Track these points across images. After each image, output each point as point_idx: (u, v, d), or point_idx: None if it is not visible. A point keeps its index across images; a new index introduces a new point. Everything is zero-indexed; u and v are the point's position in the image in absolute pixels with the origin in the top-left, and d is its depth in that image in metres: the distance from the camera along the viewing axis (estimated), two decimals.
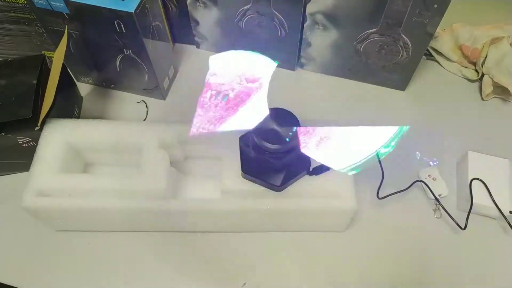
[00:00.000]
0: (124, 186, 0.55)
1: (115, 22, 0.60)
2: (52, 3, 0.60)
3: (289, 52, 0.77)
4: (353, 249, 0.61)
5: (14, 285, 0.58)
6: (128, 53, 0.66)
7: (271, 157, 0.51)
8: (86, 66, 0.73)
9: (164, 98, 0.75)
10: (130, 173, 0.56)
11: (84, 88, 0.76)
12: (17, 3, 0.66)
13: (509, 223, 0.61)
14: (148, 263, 0.59)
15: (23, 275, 0.58)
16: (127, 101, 0.75)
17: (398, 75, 0.75)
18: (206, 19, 0.75)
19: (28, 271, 0.59)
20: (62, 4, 0.59)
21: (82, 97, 0.74)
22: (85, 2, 0.58)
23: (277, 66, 0.81)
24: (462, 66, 0.80)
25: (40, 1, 0.60)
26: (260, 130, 0.50)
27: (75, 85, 0.72)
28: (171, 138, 0.59)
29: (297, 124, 0.51)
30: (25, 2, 0.65)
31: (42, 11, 0.62)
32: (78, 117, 0.71)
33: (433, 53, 0.81)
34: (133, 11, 0.58)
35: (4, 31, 0.71)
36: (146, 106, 0.74)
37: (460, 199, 0.64)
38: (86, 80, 0.76)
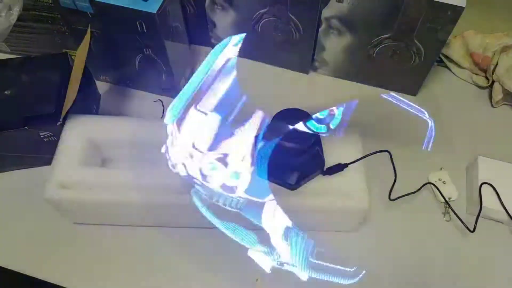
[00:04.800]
0: (143, 181, 0.56)
1: (137, 22, 0.62)
2: (77, 2, 0.62)
3: (303, 55, 0.78)
4: (363, 249, 0.63)
5: (31, 275, 0.59)
6: (147, 53, 0.67)
7: (287, 155, 0.53)
8: (105, 65, 0.75)
9: None
10: (148, 168, 0.58)
11: (102, 86, 0.78)
12: (42, 2, 0.68)
13: None
14: (164, 257, 0.61)
15: (39, 266, 0.60)
16: (143, 100, 0.77)
17: (410, 80, 0.77)
18: (223, 21, 0.77)
19: (45, 262, 0.60)
20: (87, 4, 0.61)
21: (100, 94, 0.76)
22: (109, 2, 0.60)
23: (291, 69, 0.83)
24: (473, 73, 0.81)
25: (65, 1, 0.62)
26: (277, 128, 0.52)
27: (94, 82, 0.74)
28: None
29: None
30: (50, 1, 0.67)
31: (67, 10, 0.64)
32: (97, 114, 0.73)
33: (444, 59, 0.83)
34: (155, 12, 0.59)
35: (28, 29, 0.73)
36: (163, 105, 0.75)
37: (470, 202, 0.66)
38: (104, 78, 0.78)
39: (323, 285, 0.56)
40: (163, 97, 0.77)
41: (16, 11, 0.65)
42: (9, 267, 0.59)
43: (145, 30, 0.63)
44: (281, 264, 0.46)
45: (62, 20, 0.69)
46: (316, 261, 0.44)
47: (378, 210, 0.64)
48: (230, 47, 0.49)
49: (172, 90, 0.75)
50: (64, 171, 0.56)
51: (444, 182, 0.67)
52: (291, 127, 0.51)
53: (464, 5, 0.61)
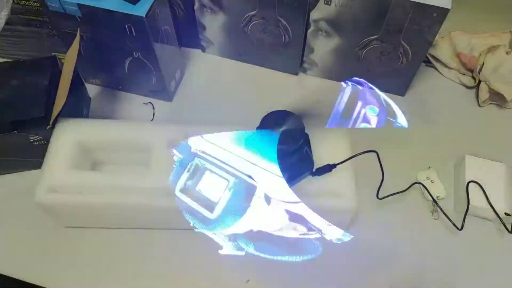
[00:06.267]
0: (133, 184, 0.56)
1: (126, 26, 0.62)
2: (65, 6, 0.62)
3: (292, 57, 0.79)
4: (353, 248, 0.63)
5: (22, 279, 0.59)
6: (137, 55, 0.68)
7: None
8: (95, 68, 0.75)
9: (170, 100, 0.77)
10: (138, 171, 0.58)
11: (92, 89, 0.78)
12: (30, 5, 0.68)
13: (504, 225, 0.63)
14: (155, 259, 0.61)
15: (31, 270, 0.60)
16: (134, 102, 0.77)
17: (398, 81, 0.78)
18: (213, 24, 0.77)
19: (36, 266, 0.60)
20: (75, 8, 0.61)
21: (90, 97, 0.76)
22: (98, 6, 0.60)
23: (280, 71, 0.84)
24: (460, 73, 0.82)
25: (53, 4, 0.62)
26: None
27: (84, 86, 0.74)
28: (179, 138, 0.60)
29: (302, 126, 0.53)
30: (38, 5, 0.67)
31: (55, 14, 0.64)
32: (87, 117, 0.73)
33: (431, 60, 0.84)
34: (144, 15, 0.60)
35: (16, 32, 0.73)
36: (153, 107, 0.76)
37: (457, 201, 0.67)
38: (94, 81, 0.78)
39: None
40: (153, 99, 0.77)
41: (4, 15, 0.65)
42: (0, 272, 0.59)
43: (134, 33, 0.63)
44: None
45: (51, 23, 0.69)
46: None
47: (367, 210, 0.65)
48: None
49: (162, 93, 0.75)
50: (54, 175, 0.56)
51: (432, 181, 0.68)
52: (279, 128, 0.52)
53: (449, 7, 0.62)
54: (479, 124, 0.77)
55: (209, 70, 0.83)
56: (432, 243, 0.64)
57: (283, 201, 0.44)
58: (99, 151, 0.63)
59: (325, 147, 0.60)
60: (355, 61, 0.75)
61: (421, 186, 0.67)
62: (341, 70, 0.79)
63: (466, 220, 0.63)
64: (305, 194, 0.57)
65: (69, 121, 0.61)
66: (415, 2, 0.62)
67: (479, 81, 0.79)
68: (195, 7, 0.75)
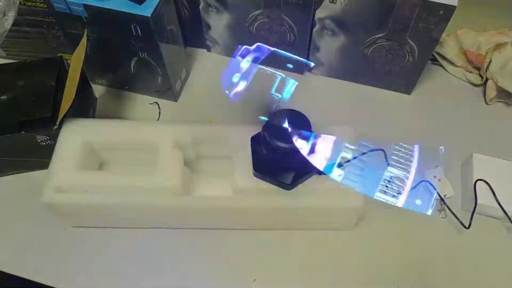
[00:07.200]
0: (140, 184, 0.56)
1: (132, 26, 0.62)
2: (71, 7, 0.62)
3: (297, 56, 0.79)
4: (360, 247, 0.63)
5: (30, 279, 0.59)
6: (143, 56, 0.68)
7: (282, 155, 0.53)
8: (101, 68, 0.75)
9: (176, 100, 0.77)
10: (145, 171, 0.58)
11: (98, 89, 0.78)
12: (37, 6, 0.68)
13: None
14: (162, 258, 0.61)
15: (39, 270, 0.60)
16: (140, 103, 0.77)
17: (404, 79, 0.77)
18: (218, 23, 0.77)
19: (44, 266, 0.60)
20: (81, 8, 0.62)
21: (96, 98, 0.76)
22: (103, 6, 0.60)
23: (287, 70, 0.83)
24: (467, 71, 0.82)
25: (59, 5, 0.63)
26: (272, 129, 0.52)
27: (90, 86, 0.74)
28: (184, 138, 0.60)
29: (308, 124, 0.53)
30: (44, 6, 0.68)
31: (61, 14, 0.64)
32: (93, 117, 0.73)
33: (438, 58, 0.83)
34: (149, 15, 0.60)
35: (23, 33, 0.74)
36: (159, 107, 0.76)
37: (465, 199, 0.66)
38: (100, 81, 0.78)
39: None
40: (159, 99, 0.77)
41: (11, 16, 0.65)
42: (8, 271, 0.60)
43: (139, 33, 0.63)
44: None
45: (57, 24, 0.70)
46: None
47: (374, 208, 0.65)
48: None
49: (168, 92, 0.75)
50: (61, 175, 0.57)
51: (439, 180, 0.67)
52: (286, 127, 0.52)
53: (456, 4, 0.62)
54: (486, 122, 0.76)
55: (215, 69, 0.83)
56: (440, 241, 0.63)
57: None
58: (106, 151, 0.63)
59: None
60: (361, 59, 0.75)
61: (428, 184, 0.66)
62: (347, 69, 0.78)
63: (473, 218, 0.62)
64: (312, 192, 0.57)
65: (76, 121, 0.62)
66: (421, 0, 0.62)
67: (486, 79, 0.79)
68: (200, 6, 0.75)
